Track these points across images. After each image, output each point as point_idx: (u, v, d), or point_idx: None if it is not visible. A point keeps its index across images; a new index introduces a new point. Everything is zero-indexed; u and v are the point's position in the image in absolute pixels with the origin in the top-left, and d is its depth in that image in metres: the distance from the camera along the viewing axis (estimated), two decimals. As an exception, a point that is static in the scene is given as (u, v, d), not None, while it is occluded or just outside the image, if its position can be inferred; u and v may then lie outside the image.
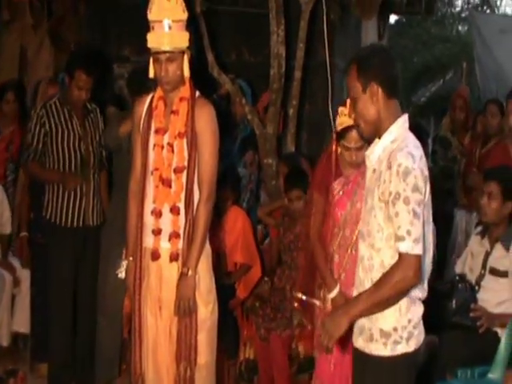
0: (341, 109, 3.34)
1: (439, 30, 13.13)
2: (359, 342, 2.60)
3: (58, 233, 4.25)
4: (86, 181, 4.24)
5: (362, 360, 2.58)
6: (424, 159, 2.48)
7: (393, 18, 10.89)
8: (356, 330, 2.61)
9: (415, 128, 4.51)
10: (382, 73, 2.54)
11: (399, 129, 2.53)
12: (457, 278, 3.71)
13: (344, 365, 3.13)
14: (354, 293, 2.65)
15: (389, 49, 2.85)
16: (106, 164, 4.48)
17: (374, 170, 2.56)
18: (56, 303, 4.25)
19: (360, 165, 3.19)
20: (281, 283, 4.25)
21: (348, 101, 2.95)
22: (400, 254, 2.44)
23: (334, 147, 3.38)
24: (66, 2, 6.28)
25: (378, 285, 2.47)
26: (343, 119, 3.31)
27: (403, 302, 2.51)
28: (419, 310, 2.56)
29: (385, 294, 2.44)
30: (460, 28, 13.10)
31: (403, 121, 2.56)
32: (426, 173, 2.46)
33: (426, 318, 3.55)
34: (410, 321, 2.52)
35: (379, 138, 2.56)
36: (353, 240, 3.17)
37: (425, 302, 3.14)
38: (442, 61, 11.73)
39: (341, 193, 3.31)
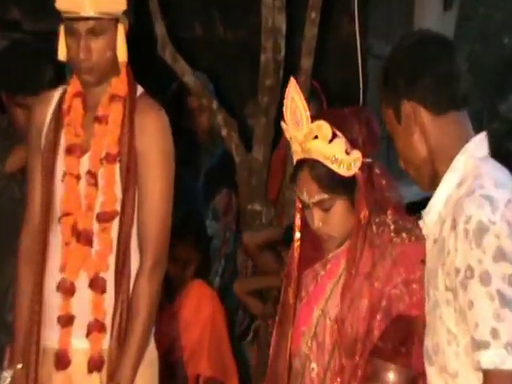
0: (283, 126, 3.17)
1: None
2: None
3: None
4: None
5: None
6: None
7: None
8: None
9: (506, 155, 4.67)
10: (417, 78, 2.58)
11: (469, 159, 2.55)
12: None
13: None
14: None
15: (437, 35, 2.82)
16: None
17: (435, 241, 2.58)
18: None
19: (338, 239, 3.20)
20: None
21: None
22: (484, 374, 2.41)
23: None
24: None
25: None
26: (293, 147, 3.18)
27: None
28: None
29: None
30: None
31: (475, 145, 2.57)
32: None
33: None
34: None
35: (433, 185, 2.61)
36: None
37: None
38: None
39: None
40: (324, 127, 2.90)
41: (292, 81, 3.04)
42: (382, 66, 2.70)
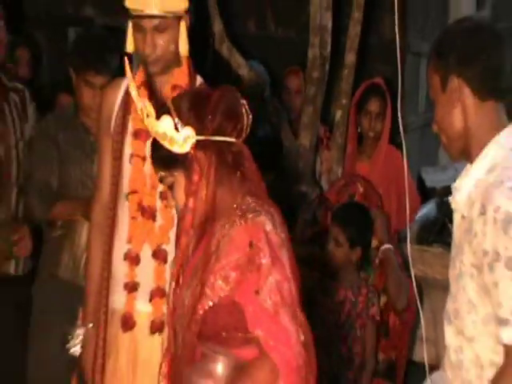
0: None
1: None
2: None
3: None
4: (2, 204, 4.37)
5: None
6: None
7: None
8: None
9: None
10: (469, 61, 2.57)
11: (500, 150, 2.56)
12: None
13: None
14: None
15: (492, 26, 2.83)
16: None
17: (463, 217, 2.60)
18: None
19: None
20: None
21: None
22: (506, 348, 2.45)
23: None
24: None
25: None
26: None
27: None
28: None
29: None
30: None
31: (508, 136, 2.58)
32: None
33: None
34: None
35: (471, 163, 2.61)
36: None
37: None
38: None
39: None
40: (148, 105, 2.60)
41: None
42: (437, 36, 2.69)
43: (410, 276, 3.64)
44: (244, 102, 2.63)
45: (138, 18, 3.25)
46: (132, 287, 3.31)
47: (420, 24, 6.62)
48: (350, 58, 5.13)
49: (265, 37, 6.54)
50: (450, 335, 2.67)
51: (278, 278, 2.51)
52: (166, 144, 2.57)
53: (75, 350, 3.46)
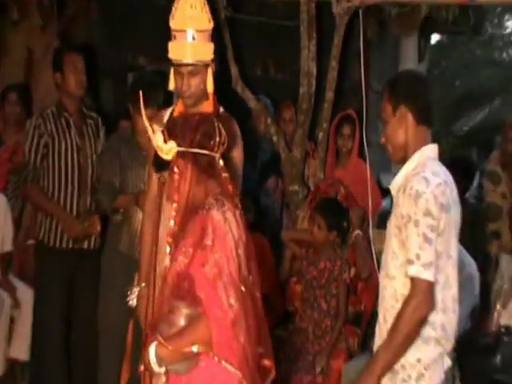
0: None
1: (486, 52, 12.83)
2: None
3: (48, 255, 4.42)
4: (81, 198, 4.39)
5: None
6: (443, 188, 2.64)
7: (435, 38, 10.81)
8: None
9: (463, 160, 4.66)
10: (413, 97, 2.75)
11: (422, 157, 2.73)
12: (502, 330, 3.69)
13: None
14: (376, 330, 2.81)
15: (426, 77, 3.05)
16: None
17: (396, 196, 2.78)
18: (44, 329, 4.40)
19: None
20: (303, 323, 4.35)
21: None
22: (411, 281, 2.61)
23: None
24: (78, 2, 6.28)
25: (394, 324, 2.60)
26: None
27: None
28: (433, 352, 2.65)
29: (404, 330, 2.57)
30: (510, 51, 13.01)
31: (429, 150, 2.76)
32: (444, 201, 2.62)
33: (465, 374, 3.55)
34: (419, 360, 2.63)
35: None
36: None
37: (463, 355, 3.27)
38: (489, 87, 11.38)
39: None
40: (155, 127, 2.70)
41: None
42: (388, 80, 2.89)
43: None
44: (220, 125, 2.64)
45: (178, 65, 3.25)
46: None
47: (378, 71, 6.59)
48: (330, 95, 5.11)
49: (267, 79, 6.52)
50: (381, 278, 2.81)
51: (219, 256, 2.50)
52: (159, 152, 2.61)
53: (132, 302, 3.47)
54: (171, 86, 3.35)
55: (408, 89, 2.78)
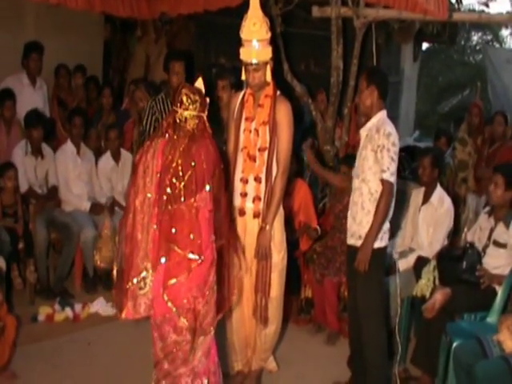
0: None
1: (460, 56, 12.78)
2: (351, 241, 3.13)
3: None
4: None
5: (353, 252, 3.08)
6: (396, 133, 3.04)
7: (425, 45, 10.49)
8: (348, 233, 3.15)
9: (441, 132, 4.67)
10: (380, 81, 3.09)
11: (381, 116, 3.09)
12: (467, 245, 3.63)
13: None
14: (349, 218, 3.14)
15: (386, 73, 3.40)
16: None
17: (367, 135, 3.08)
18: None
19: None
20: (333, 243, 4.22)
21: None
22: (382, 182, 2.99)
23: None
24: (180, 22, 6.39)
25: (376, 209, 2.98)
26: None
27: None
28: (387, 224, 3.09)
29: (383, 213, 2.98)
30: (476, 56, 12.69)
31: (384, 113, 3.11)
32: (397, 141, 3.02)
33: (443, 274, 3.54)
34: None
35: (369, 119, 3.10)
36: None
37: (441, 262, 3.54)
38: (461, 81, 11.53)
39: None
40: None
41: None
42: (368, 68, 3.44)
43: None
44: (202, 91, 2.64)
45: (246, 64, 3.13)
46: (244, 195, 3.22)
47: (386, 67, 6.34)
48: (352, 83, 4.89)
49: (308, 72, 6.28)
50: (357, 183, 3.12)
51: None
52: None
53: None
54: (243, 77, 3.23)
55: (379, 76, 3.13)
